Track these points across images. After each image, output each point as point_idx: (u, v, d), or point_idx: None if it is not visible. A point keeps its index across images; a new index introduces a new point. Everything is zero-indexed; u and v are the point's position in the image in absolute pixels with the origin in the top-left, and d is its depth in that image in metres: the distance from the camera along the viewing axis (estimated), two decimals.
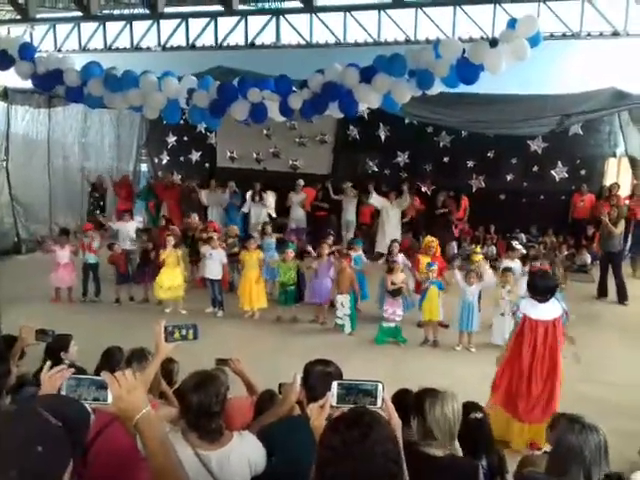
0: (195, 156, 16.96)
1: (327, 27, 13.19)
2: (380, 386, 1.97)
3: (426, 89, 8.43)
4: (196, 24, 14.07)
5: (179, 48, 14.30)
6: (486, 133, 12.74)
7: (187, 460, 2.52)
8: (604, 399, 6.47)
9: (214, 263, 9.74)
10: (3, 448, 1.47)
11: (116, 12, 15.22)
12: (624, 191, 13.20)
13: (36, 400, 1.91)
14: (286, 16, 13.30)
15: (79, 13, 13.94)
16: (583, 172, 13.74)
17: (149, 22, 14.27)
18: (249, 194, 14.04)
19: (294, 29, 13.40)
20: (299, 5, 13.02)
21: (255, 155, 16.05)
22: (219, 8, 13.29)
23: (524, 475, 3.21)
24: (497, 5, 11.54)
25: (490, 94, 11.02)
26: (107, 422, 2.79)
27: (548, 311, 5.61)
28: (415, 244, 12.24)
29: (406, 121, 13.65)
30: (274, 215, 14.05)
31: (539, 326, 5.56)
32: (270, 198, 13.93)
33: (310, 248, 10.59)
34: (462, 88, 8.55)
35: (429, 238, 9.64)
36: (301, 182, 14.31)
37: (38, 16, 14.35)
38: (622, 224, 10.79)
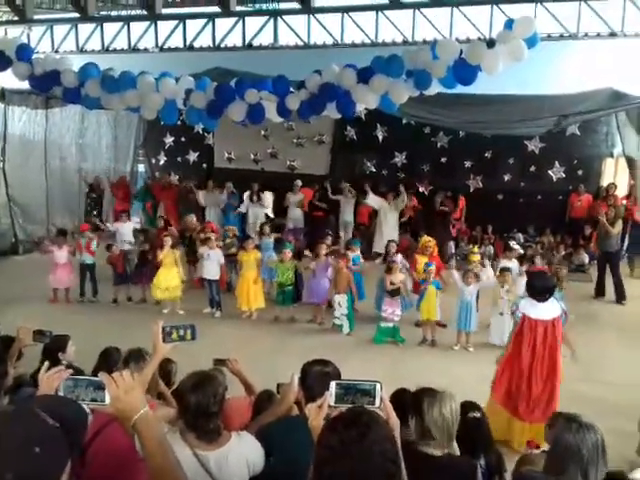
0: (192, 157, 16.97)
1: (325, 28, 13.17)
2: (378, 386, 1.97)
3: (423, 89, 8.45)
4: (193, 25, 14.05)
5: (177, 49, 14.27)
6: (483, 133, 12.76)
7: (185, 460, 2.52)
8: (602, 398, 6.48)
9: (212, 263, 9.73)
10: (0, 449, 1.46)
11: (113, 13, 15.21)
12: (621, 191, 13.24)
13: (34, 401, 1.91)
14: (284, 17, 13.28)
15: (76, 14, 13.94)
16: (580, 172, 13.79)
17: (146, 23, 14.24)
18: (247, 194, 14.04)
19: (292, 30, 13.39)
20: (297, 6, 13.02)
21: (253, 156, 16.06)
22: (216, 9, 13.29)
23: (522, 474, 3.21)
24: (494, 6, 11.54)
25: (487, 94, 11.03)
26: (105, 422, 2.78)
27: (547, 311, 5.62)
28: (413, 244, 12.24)
29: (403, 121, 13.68)
30: (272, 215, 14.05)
31: (538, 326, 5.57)
32: (268, 198, 13.93)
33: (307, 251, 10.59)
34: (459, 88, 8.58)
35: (426, 238, 9.66)
36: (299, 182, 14.31)
37: (35, 17, 14.34)
38: (619, 224, 10.82)
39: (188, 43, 14.09)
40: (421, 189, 14.52)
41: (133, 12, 15.03)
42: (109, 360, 4.61)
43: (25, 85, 10.31)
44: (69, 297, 10.49)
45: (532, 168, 14.04)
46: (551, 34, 11.85)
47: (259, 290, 9.75)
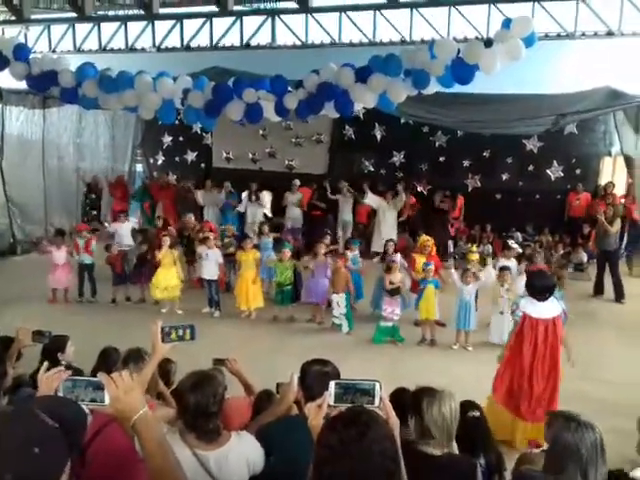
0: (191, 156, 16.96)
1: (322, 27, 13.18)
2: (378, 385, 1.97)
3: (421, 89, 8.46)
4: (191, 25, 14.05)
5: (174, 49, 14.28)
6: (482, 133, 12.77)
7: (185, 460, 2.52)
8: (601, 397, 6.48)
9: (210, 263, 9.73)
10: (0, 449, 1.46)
11: (111, 13, 15.16)
12: (619, 190, 13.26)
13: (33, 401, 1.91)
14: (281, 16, 13.29)
15: (74, 14, 13.91)
16: (578, 171, 13.80)
17: (144, 23, 14.25)
18: (245, 194, 14.05)
19: (289, 29, 13.40)
20: (294, 5, 13.02)
21: (251, 155, 16.05)
22: (214, 9, 13.28)
23: (522, 473, 3.21)
24: (492, 5, 11.57)
25: (485, 94, 11.05)
26: (105, 422, 2.78)
27: (548, 310, 5.63)
28: (411, 243, 12.25)
29: (402, 121, 13.69)
30: (270, 215, 14.05)
31: (539, 324, 5.58)
32: (266, 198, 13.94)
33: (305, 252, 10.59)
34: (457, 88, 8.59)
35: (424, 237, 9.67)
36: (297, 182, 14.31)
37: (33, 17, 14.33)
38: (618, 223, 10.83)
39: (185, 43, 14.10)
40: (419, 188, 14.52)
41: (130, 12, 14.98)
42: (108, 360, 4.61)
43: (22, 85, 10.29)
44: (68, 297, 10.48)
45: (530, 167, 14.06)
46: (549, 33, 11.88)
47: (258, 290, 9.75)
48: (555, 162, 13.86)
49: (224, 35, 13.83)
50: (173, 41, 14.24)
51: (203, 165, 16.92)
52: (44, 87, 10.13)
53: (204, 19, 13.84)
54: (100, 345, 4.89)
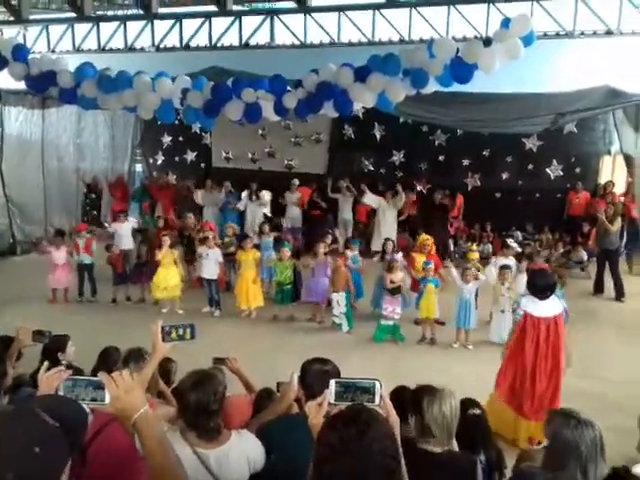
0: (190, 156, 16.96)
1: (321, 27, 13.18)
2: (378, 384, 1.97)
3: (420, 88, 8.45)
4: (190, 24, 14.04)
5: (173, 49, 14.27)
6: (481, 132, 12.77)
7: (186, 459, 2.53)
8: (602, 395, 6.50)
9: (210, 263, 9.73)
10: (0, 450, 1.47)
11: (110, 13, 15.19)
12: (619, 189, 13.26)
13: (33, 401, 1.91)
14: (280, 16, 13.29)
15: (72, 14, 13.91)
16: (578, 170, 13.81)
17: (143, 22, 14.24)
18: (245, 193, 14.04)
19: (288, 29, 13.39)
20: (293, 5, 13.03)
21: (250, 155, 16.06)
22: (213, 8, 13.28)
23: (521, 470, 3.22)
24: (491, 5, 11.56)
25: (484, 93, 11.02)
26: (106, 422, 2.79)
27: (549, 308, 5.63)
28: (411, 243, 12.26)
29: (401, 120, 13.67)
30: (269, 214, 14.06)
31: (541, 323, 5.59)
32: (266, 197, 13.94)
33: (304, 252, 10.59)
34: (456, 87, 8.58)
35: (424, 236, 9.68)
36: (296, 181, 14.32)
37: (31, 17, 14.32)
38: (619, 221, 10.84)
39: (185, 42, 14.08)
40: (419, 187, 14.52)
41: (129, 12, 15.01)
42: (108, 360, 4.61)
43: (21, 85, 10.28)
44: (68, 297, 10.49)
45: (530, 166, 14.06)
46: (547, 32, 11.88)
47: (258, 289, 9.76)
48: (555, 161, 13.86)
49: (223, 35, 13.82)
50: (172, 41, 14.24)
51: (203, 165, 16.92)
52: (43, 87, 10.12)
53: (203, 19, 13.84)
54: (100, 345, 4.89)
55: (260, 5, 14.16)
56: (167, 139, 16.93)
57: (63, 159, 15.55)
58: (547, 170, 13.95)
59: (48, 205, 14.90)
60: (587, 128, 13.51)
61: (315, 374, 2.92)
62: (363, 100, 8.82)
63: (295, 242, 12.05)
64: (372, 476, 1.64)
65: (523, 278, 8.08)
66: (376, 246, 12.68)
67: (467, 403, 3.80)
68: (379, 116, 13.41)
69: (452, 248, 13.45)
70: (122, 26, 14.43)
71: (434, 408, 2.97)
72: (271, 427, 3.03)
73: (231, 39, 13.85)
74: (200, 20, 13.90)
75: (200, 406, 2.79)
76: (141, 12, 13.65)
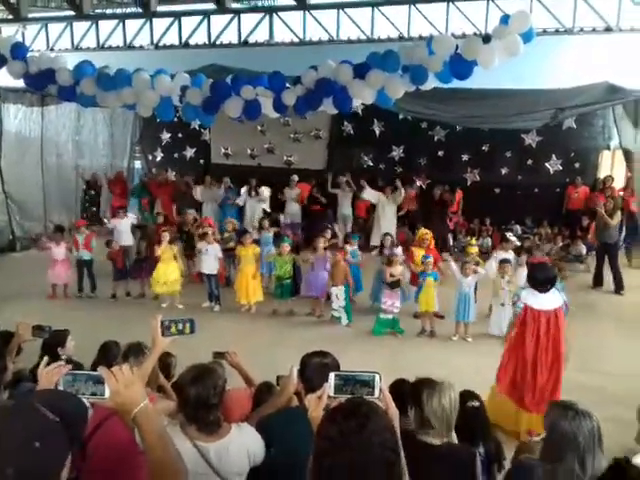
0: (189, 153, 16.96)
1: (320, 24, 13.18)
2: (377, 377, 1.97)
3: (420, 84, 8.45)
4: (189, 22, 14.04)
5: (172, 47, 14.28)
6: (480, 128, 12.77)
7: (186, 453, 2.53)
8: (601, 388, 6.50)
9: (210, 258, 9.74)
10: (1, 444, 1.47)
11: (108, 11, 15.20)
12: (618, 183, 13.28)
13: (33, 395, 1.91)
14: (279, 13, 13.29)
15: (71, 12, 13.92)
16: (577, 165, 13.83)
17: (142, 21, 14.24)
18: (245, 189, 14.04)
19: (287, 26, 13.39)
20: (292, 2, 13.02)
21: (249, 151, 16.05)
22: (212, 6, 13.28)
23: (520, 462, 3.23)
24: (490, 1, 11.58)
25: (484, 89, 11.03)
26: (106, 416, 2.79)
27: (549, 301, 5.64)
28: (410, 237, 12.28)
29: (400, 116, 13.67)
30: (269, 210, 14.07)
31: (541, 316, 5.59)
32: (265, 193, 13.95)
33: (304, 247, 10.59)
34: (456, 83, 8.57)
35: (423, 230, 9.69)
36: (295, 177, 14.33)
37: (30, 15, 14.32)
38: (618, 215, 10.84)
39: (184, 40, 14.09)
40: (418, 183, 14.53)
41: (128, 10, 15.00)
42: (108, 354, 4.62)
43: (20, 83, 10.26)
44: (67, 293, 10.49)
45: (529, 161, 14.08)
46: (547, 29, 11.90)
47: (258, 284, 9.76)
48: (554, 156, 13.87)
49: (222, 32, 13.82)
50: (171, 39, 14.24)
51: (202, 161, 16.91)
52: (42, 85, 10.10)
53: (202, 16, 13.83)
54: (100, 340, 4.90)
55: (259, 2, 14.16)
56: (166, 136, 16.93)
57: (62, 156, 15.55)
58: (546, 165, 13.96)
59: (47, 202, 14.89)
60: (586, 123, 13.52)
61: (315, 367, 2.92)
62: (362, 97, 8.82)
63: (294, 237, 12.06)
64: (372, 469, 1.64)
65: (523, 271, 8.09)
66: (375, 241, 12.71)
67: (466, 395, 3.80)
68: (378, 112, 13.39)
69: (451, 242, 13.47)
70: (121, 24, 14.43)
71: (433, 401, 2.98)
72: (271, 420, 3.04)
73: (230, 37, 13.86)
74: (199, 18, 13.92)
75: (200, 400, 2.80)
76: (140, 10, 13.65)
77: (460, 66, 8.00)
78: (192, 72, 9.99)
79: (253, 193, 13.88)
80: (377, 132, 14.88)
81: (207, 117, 9.86)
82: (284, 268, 9.57)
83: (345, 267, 9.04)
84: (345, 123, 15.05)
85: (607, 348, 8.06)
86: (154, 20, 14.13)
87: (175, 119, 11.01)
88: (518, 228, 13.61)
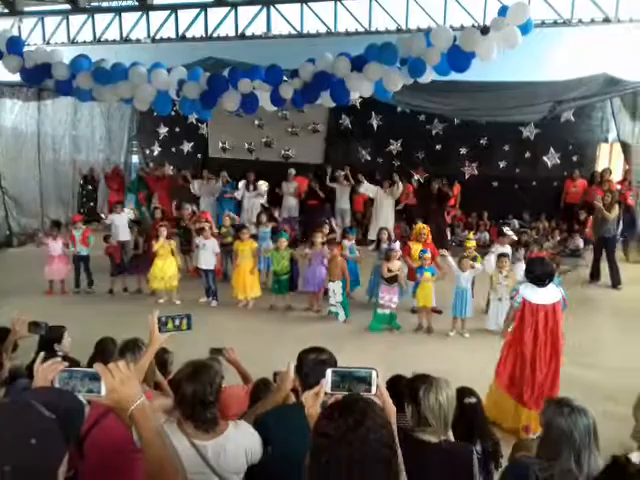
0: (187, 147, 16.95)
1: (318, 17, 13.12)
2: (374, 373, 1.97)
3: (418, 77, 8.43)
4: (186, 15, 13.98)
5: (169, 40, 14.21)
6: (478, 120, 12.76)
7: (183, 450, 2.53)
8: (597, 383, 6.50)
9: (207, 253, 9.72)
10: None
11: (105, 4, 15.08)
12: (616, 177, 13.27)
13: (29, 393, 1.90)
14: (277, 6, 13.22)
15: (67, 6, 13.86)
16: (575, 158, 13.83)
17: (138, 14, 14.16)
18: (243, 183, 14.01)
19: (285, 19, 13.33)
20: None
21: (247, 145, 16.05)
22: None
23: (517, 459, 3.23)
24: None
25: (482, 81, 11.00)
26: (103, 412, 2.80)
27: (547, 295, 5.63)
28: (408, 231, 12.28)
29: (398, 109, 13.66)
30: (266, 205, 14.05)
31: (539, 310, 5.58)
32: (263, 188, 13.93)
33: (301, 241, 10.56)
34: (454, 76, 8.54)
35: (420, 225, 9.67)
36: (292, 171, 14.32)
37: (26, 9, 14.26)
38: (616, 209, 10.83)
39: (180, 33, 14.02)
40: (416, 176, 14.52)
41: (124, 3, 14.94)
42: (105, 351, 4.60)
43: (16, 77, 10.22)
44: (65, 288, 10.47)
45: (527, 154, 14.09)
46: (545, 20, 11.84)
47: (255, 279, 9.75)
48: (552, 149, 13.88)
49: (219, 25, 13.76)
50: (168, 32, 14.17)
51: (199, 155, 16.91)
52: (38, 80, 10.08)
53: (199, 9, 13.77)
54: (97, 336, 4.88)
55: None
56: (163, 130, 16.92)
57: (59, 151, 15.52)
58: (544, 158, 13.97)
59: (44, 197, 14.88)
60: (584, 116, 13.53)
61: (312, 363, 2.91)
62: (360, 89, 8.80)
63: (292, 232, 12.05)
64: (368, 465, 1.64)
65: (521, 266, 8.07)
66: (373, 235, 12.71)
67: (463, 392, 3.80)
68: (376, 105, 13.40)
69: (449, 237, 13.46)
70: (117, 17, 14.35)
71: (430, 398, 2.97)
72: (268, 417, 3.03)
73: (227, 30, 13.78)
74: (196, 11, 13.83)
75: (197, 397, 2.79)
76: (136, 3, 13.60)
77: (458, 58, 7.98)
78: (189, 65, 9.95)
79: (251, 187, 13.86)
80: (375, 126, 14.88)
81: (204, 111, 9.83)
82: (281, 263, 9.55)
83: (342, 262, 9.02)
84: (343, 116, 15.05)
85: (604, 343, 8.04)
86: (151, 13, 14.05)
87: (172, 113, 11.00)
88: (515, 222, 13.61)
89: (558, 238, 12.64)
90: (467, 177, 14.47)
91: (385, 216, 13.12)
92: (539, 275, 5.64)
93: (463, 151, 14.45)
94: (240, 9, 13.54)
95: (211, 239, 9.75)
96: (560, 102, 11.19)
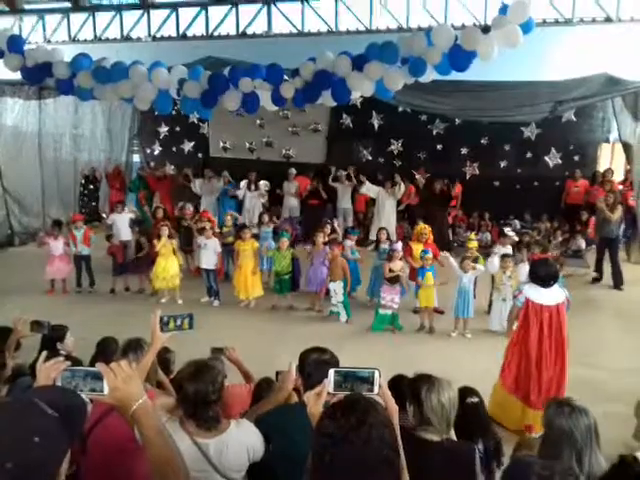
0: (187, 146, 16.94)
1: (319, 15, 13.12)
2: (377, 373, 1.97)
3: (418, 76, 8.41)
4: (186, 14, 13.98)
5: (170, 38, 14.21)
6: (479, 120, 12.75)
7: (185, 449, 2.54)
8: (599, 383, 6.50)
9: (208, 253, 9.72)
10: (0, 439, 1.46)
11: (105, 2, 15.10)
12: (617, 177, 13.26)
13: (32, 391, 1.91)
14: (278, 5, 13.23)
15: (68, 4, 13.88)
16: (576, 158, 13.82)
17: (139, 12, 14.17)
18: (244, 183, 14.00)
19: (286, 18, 13.33)
20: None
21: (248, 145, 16.04)
22: None
23: (518, 458, 3.23)
24: None
25: (483, 81, 10.97)
26: (105, 411, 2.80)
27: (551, 296, 5.61)
28: (409, 232, 12.26)
29: (399, 109, 13.64)
30: (267, 204, 14.05)
31: (544, 311, 5.57)
32: (263, 187, 13.93)
33: (302, 241, 10.55)
34: (455, 75, 8.52)
35: (421, 225, 9.67)
36: (293, 171, 14.31)
37: (27, 7, 14.28)
38: (619, 210, 10.79)
39: (181, 32, 14.02)
40: (417, 176, 14.51)
41: (125, 1, 14.93)
42: (107, 350, 4.61)
43: (17, 76, 10.22)
44: (66, 288, 10.46)
45: (528, 154, 14.07)
46: (546, 19, 11.84)
47: (257, 279, 9.74)
48: (553, 149, 13.86)
49: (220, 24, 13.76)
50: (169, 30, 14.18)
51: (200, 155, 16.90)
52: (39, 78, 10.06)
53: (199, 8, 13.77)
54: (99, 335, 4.89)
55: None
56: (164, 129, 16.91)
57: (60, 150, 15.49)
58: (545, 158, 13.96)
59: (46, 196, 14.86)
60: (586, 116, 13.51)
61: (314, 363, 2.91)
62: (361, 89, 8.78)
63: (293, 232, 12.04)
64: (371, 465, 1.64)
65: (525, 267, 8.07)
66: (374, 235, 12.70)
67: (465, 392, 3.80)
68: (377, 105, 13.38)
69: (451, 237, 13.45)
70: (118, 16, 14.35)
71: (432, 397, 2.96)
72: (270, 416, 3.04)
73: (228, 28, 13.79)
74: (196, 9, 13.85)
75: (199, 396, 2.79)
76: (137, 2, 13.59)
77: (459, 57, 7.96)
78: (190, 64, 9.94)
79: (252, 187, 13.85)
80: (376, 125, 14.88)
81: (205, 110, 9.82)
82: (283, 263, 9.54)
83: (343, 262, 9.02)
84: (344, 116, 15.04)
85: (606, 343, 8.03)
86: (151, 12, 14.07)
87: (173, 112, 10.98)
88: (517, 223, 13.60)
89: (560, 239, 12.62)
90: (468, 177, 14.46)
91: (387, 216, 13.11)
92: (543, 276, 5.62)
93: (464, 151, 14.44)
94: (241, 8, 13.55)
95: (212, 239, 9.75)
96: (561, 102, 11.16)
